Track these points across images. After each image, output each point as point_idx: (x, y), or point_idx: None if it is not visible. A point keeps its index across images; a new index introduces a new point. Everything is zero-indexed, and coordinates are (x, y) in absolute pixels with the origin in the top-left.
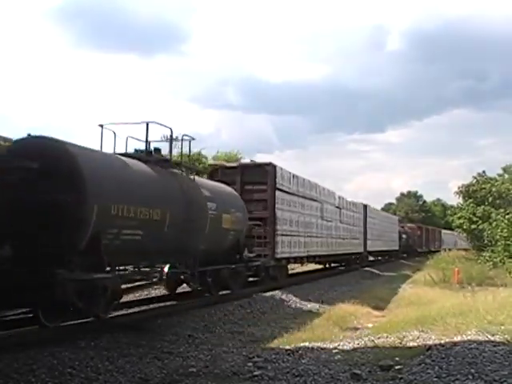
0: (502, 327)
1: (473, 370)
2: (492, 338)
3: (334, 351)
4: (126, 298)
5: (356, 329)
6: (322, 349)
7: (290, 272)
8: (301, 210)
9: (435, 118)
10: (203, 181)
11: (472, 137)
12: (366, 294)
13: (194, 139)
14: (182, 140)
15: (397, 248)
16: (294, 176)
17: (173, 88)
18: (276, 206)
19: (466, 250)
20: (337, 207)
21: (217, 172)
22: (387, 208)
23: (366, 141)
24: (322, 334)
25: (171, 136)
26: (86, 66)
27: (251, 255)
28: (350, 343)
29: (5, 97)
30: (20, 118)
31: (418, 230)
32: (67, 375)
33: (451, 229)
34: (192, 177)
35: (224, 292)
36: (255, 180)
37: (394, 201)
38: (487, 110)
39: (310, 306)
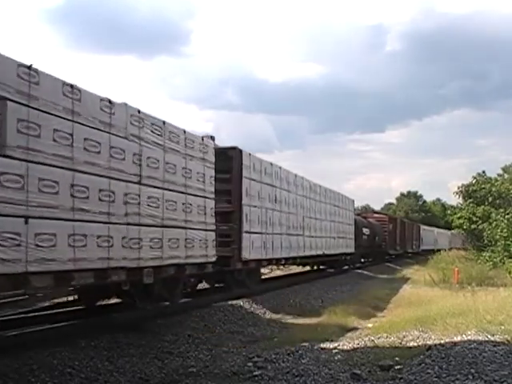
0: (502, 327)
1: (473, 370)
2: (492, 338)
3: (334, 351)
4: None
5: (356, 329)
6: (322, 349)
7: None
8: None
9: (435, 117)
10: None
11: (472, 137)
12: (366, 293)
13: None
14: None
15: (352, 250)
16: None
17: (172, 88)
18: None
19: (443, 250)
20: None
21: None
22: (387, 208)
23: (365, 141)
24: (322, 333)
25: None
26: (85, 67)
27: None
28: (349, 343)
29: None
30: None
31: (390, 222)
32: (67, 375)
33: (430, 225)
34: None
35: None
36: None
37: (393, 201)
38: (487, 110)
39: (310, 305)
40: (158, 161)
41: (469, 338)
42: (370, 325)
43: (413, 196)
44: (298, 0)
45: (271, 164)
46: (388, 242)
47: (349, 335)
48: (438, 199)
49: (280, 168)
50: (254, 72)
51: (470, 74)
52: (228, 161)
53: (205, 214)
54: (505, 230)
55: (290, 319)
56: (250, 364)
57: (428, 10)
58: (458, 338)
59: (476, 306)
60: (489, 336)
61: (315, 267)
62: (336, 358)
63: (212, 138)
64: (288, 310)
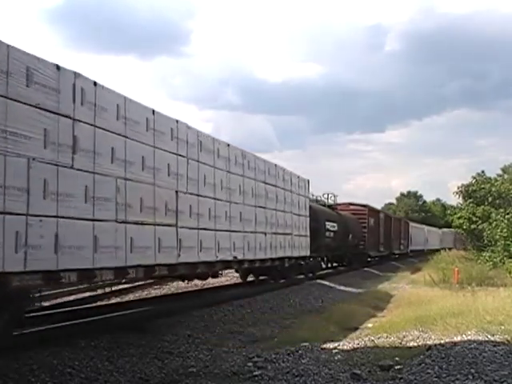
0: (502, 327)
1: (473, 370)
2: (492, 338)
3: (334, 351)
4: (126, 298)
5: (356, 329)
6: (322, 349)
7: None
8: None
9: (435, 117)
10: None
11: (472, 137)
12: (366, 293)
13: None
14: None
15: (306, 253)
16: None
17: (172, 89)
18: None
19: (436, 250)
20: None
21: None
22: (387, 208)
23: (365, 141)
24: (322, 333)
25: None
26: (85, 67)
27: None
28: (350, 343)
29: None
30: None
31: (371, 216)
32: (67, 375)
33: (421, 223)
34: None
35: None
36: None
37: (394, 201)
38: (487, 110)
39: (310, 305)
40: None
41: (469, 338)
42: (370, 325)
43: (413, 196)
44: (298, 0)
45: (59, 68)
46: (368, 241)
47: (349, 335)
48: (438, 199)
49: (96, 85)
50: (253, 72)
51: (470, 74)
52: None
53: None
54: (505, 230)
55: (290, 319)
56: (250, 364)
57: (427, 10)
58: (458, 338)
59: (476, 306)
60: (489, 336)
61: (253, 277)
62: (336, 358)
63: None
64: (288, 310)
